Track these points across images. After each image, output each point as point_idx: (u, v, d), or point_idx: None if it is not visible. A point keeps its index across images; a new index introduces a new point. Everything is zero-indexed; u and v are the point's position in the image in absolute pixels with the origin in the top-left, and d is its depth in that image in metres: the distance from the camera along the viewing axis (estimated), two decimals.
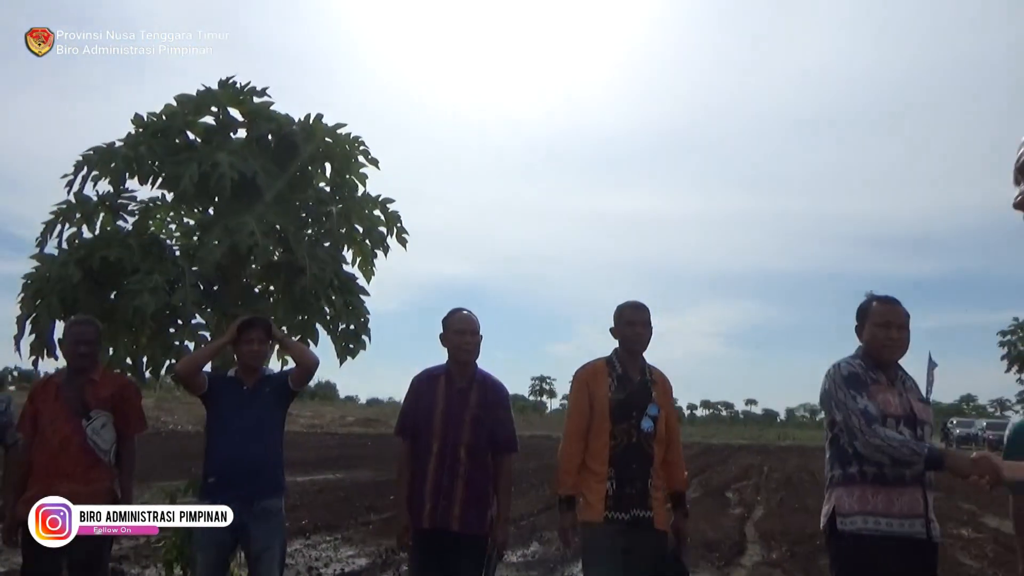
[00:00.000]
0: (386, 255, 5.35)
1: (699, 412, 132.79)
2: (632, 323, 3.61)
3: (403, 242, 5.43)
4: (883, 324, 3.10)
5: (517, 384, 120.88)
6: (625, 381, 3.58)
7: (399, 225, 5.38)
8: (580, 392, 3.64)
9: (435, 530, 3.46)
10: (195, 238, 5.00)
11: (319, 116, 5.15)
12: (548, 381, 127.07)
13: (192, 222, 5.20)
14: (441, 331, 3.64)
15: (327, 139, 5.16)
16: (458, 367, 3.62)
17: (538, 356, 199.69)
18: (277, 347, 4.32)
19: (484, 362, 3.71)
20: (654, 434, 3.49)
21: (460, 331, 3.62)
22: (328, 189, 5.35)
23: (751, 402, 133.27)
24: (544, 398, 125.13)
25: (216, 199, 4.88)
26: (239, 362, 3.75)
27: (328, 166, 5.30)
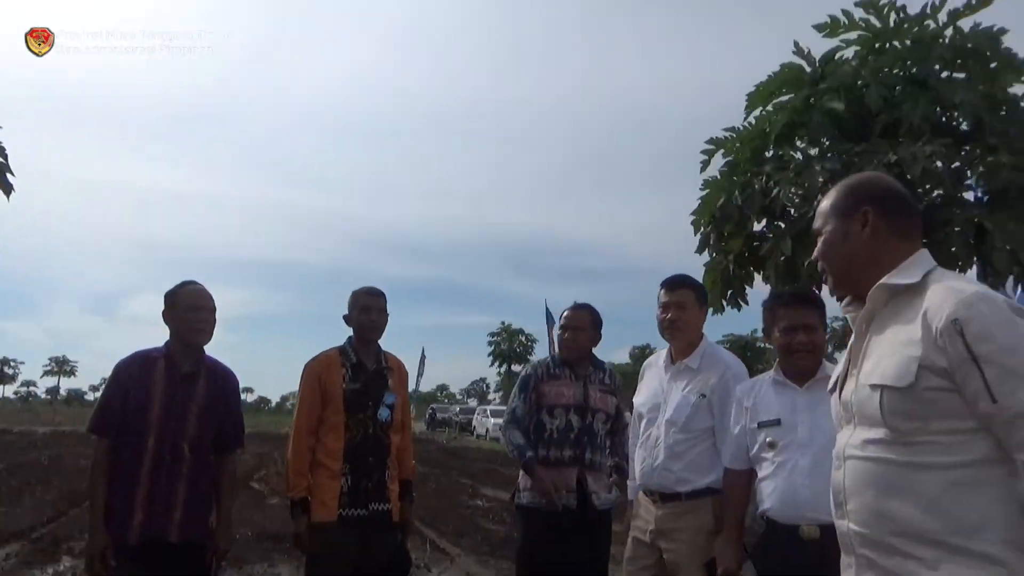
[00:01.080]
0: None
1: None
2: (367, 309, 3.49)
3: None
4: (571, 328, 3.74)
5: None
6: (360, 370, 3.45)
7: None
8: (311, 384, 3.38)
9: (147, 544, 2.86)
10: None
11: None
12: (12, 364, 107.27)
13: None
14: (164, 308, 3.02)
15: None
16: (186, 350, 3.06)
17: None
18: None
19: None
20: (391, 423, 3.44)
21: (195, 307, 3.07)
22: None
23: (247, 390, 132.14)
24: None
25: None
26: None
27: None
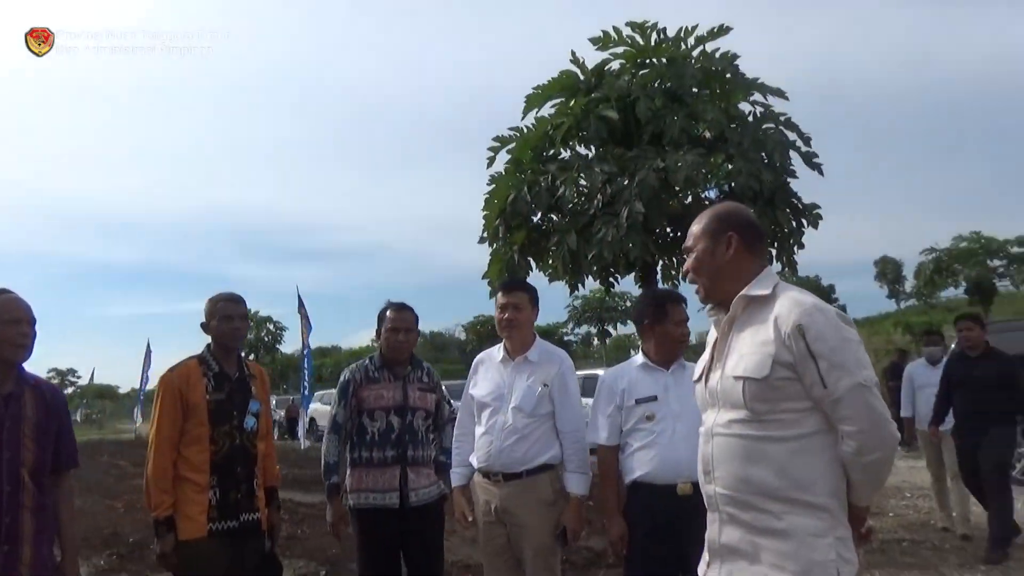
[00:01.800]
0: None
1: None
2: (230, 317, 3.40)
3: None
4: (393, 329, 3.90)
5: None
6: (223, 379, 3.36)
7: None
8: (171, 397, 3.24)
9: None
10: None
11: None
12: None
13: None
14: None
15: None
16: (2, 368, 2.76)
17: None
18: None
19: None
20: (257, 432, 3.40)
21: (14, 320, 2.77)
22: None
23: None
24: None
25: None
26: None
27: None
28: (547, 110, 8.49)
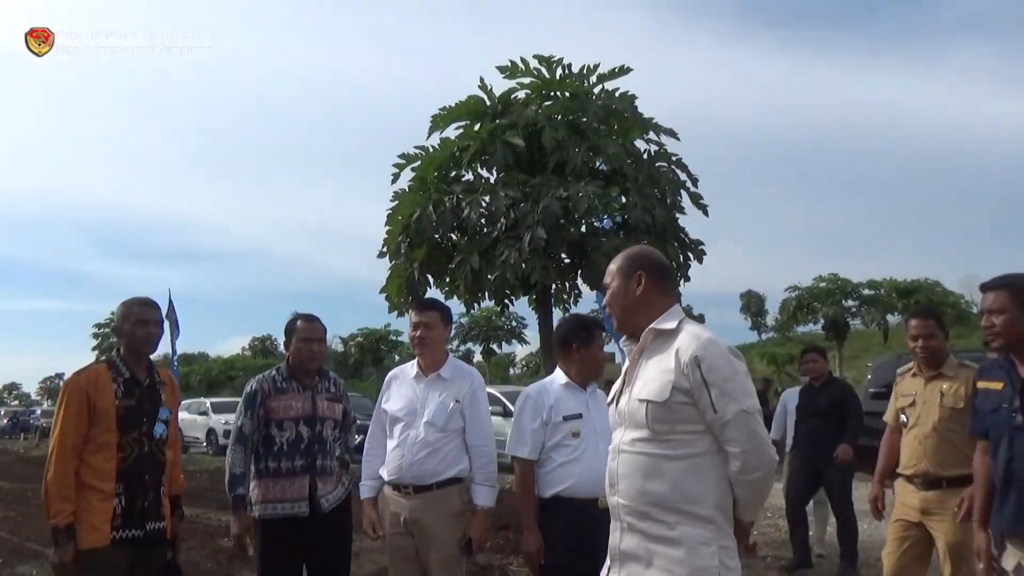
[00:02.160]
0: None
1: None
2: (144, 322, 3.32)
3: None
4: (307, 339, 3.91)
5: None
6: (133, 385, 3.27)
7: None
8: (77, 402, 3.12)
9: None
10: None
11: None
12: None
13: None
14: None
15: None
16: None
17: None
18: None
19: None
20: (166, 439, 3.33)
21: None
22: None
23: None
24: None
25: None
26: None
27: None
28: (451, 131, 8.70)
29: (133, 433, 3.19)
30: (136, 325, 3.30)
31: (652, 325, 2.44)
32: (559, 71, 8.36)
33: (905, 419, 3.85)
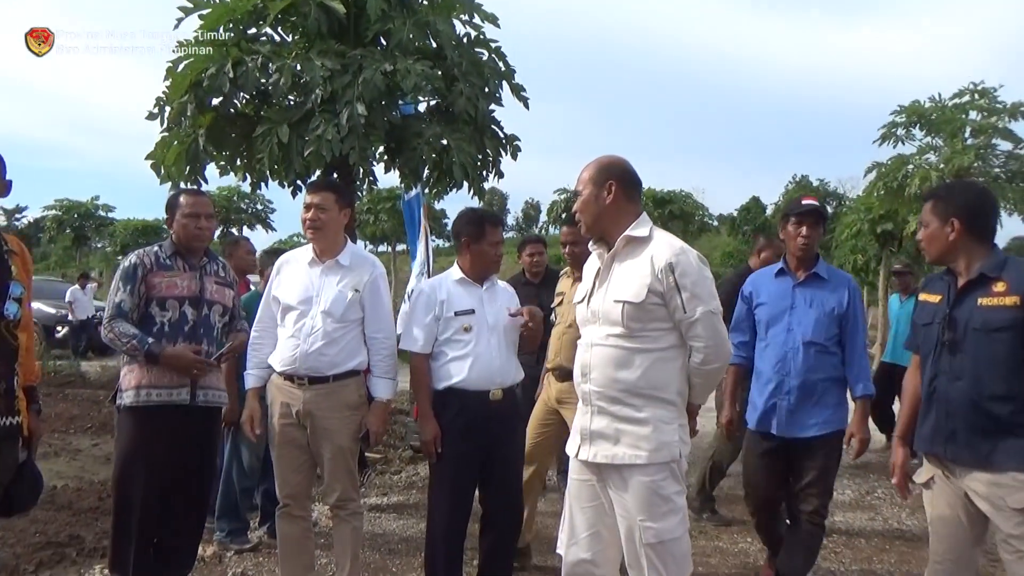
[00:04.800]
0: None
1: None
2: None
3: None
4: (192, 215, 3.60)
5: None
6: None
7: None
8: None
9: None
10: None
11: None
12: None
13: None
14: None
15: None
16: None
17: None
18: None
19: None
20: (19, 321, 2.70)
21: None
22: None
23: None
24: None
25: None
26: None
27: None
28: None
29: None
30: None
31: (626, 232, 2.70)
32: None
33: (555, 317, 4.37)
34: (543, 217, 56.36)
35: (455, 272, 3.68)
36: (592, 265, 2.85)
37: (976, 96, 15.95)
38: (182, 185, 7.43)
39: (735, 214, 60.15)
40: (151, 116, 7.52)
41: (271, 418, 3.55)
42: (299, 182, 7.76)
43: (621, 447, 2.61)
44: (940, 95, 16.25)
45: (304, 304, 3.49)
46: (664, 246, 2.65)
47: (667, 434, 2.61)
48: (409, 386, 4.05)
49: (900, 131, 16.46)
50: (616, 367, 2.62)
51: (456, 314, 3.53)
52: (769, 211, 56.53)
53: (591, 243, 2.87)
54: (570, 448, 2.80)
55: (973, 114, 15.98)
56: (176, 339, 3.47)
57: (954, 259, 2.73)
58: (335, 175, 7.78)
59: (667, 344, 2.65)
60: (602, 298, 2.69)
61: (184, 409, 3.48)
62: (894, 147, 16.60)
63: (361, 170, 7.58)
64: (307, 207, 3.52)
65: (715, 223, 58.53)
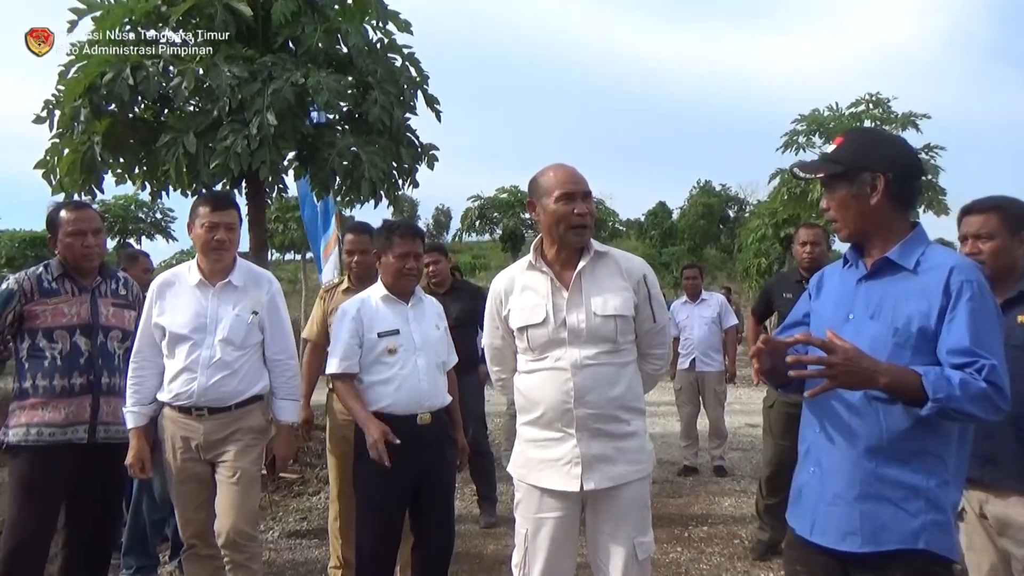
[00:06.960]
0: None
1: None
2: None
3: None
4: (77, 233, 3.36)
5: None
6: None
7: None
8: None
9: None
10: None
11: None
12: None
13: None
14: None
15: None
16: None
17: None
18: None
19: None
20: None
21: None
22: None
23: None
24: None
25: None
26: None
27: None
28: None
29: None
30: None
31: (595, 248, 2.74)
32: None
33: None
34: (455, 224, 56.19)
35: (379, 288, 3.51)
36: (528, 285, 2.75)
37: (871, 106, 16.90)
38: (75, 197, 6.96)
39: (642, 219, 61.56)
40: (38, 120, 7.03)
41: (166, 454, 3.29)
42: (204, 192, 7.45)
43: (621, 466, 2.62)
44: (838, 104, 17.17)
45: (197, 333, 3.23)
46: (629, 258, 2.77)
47: (646, 441, 2.73)
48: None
49: (801, 139, 17.23)
50: (610, 385, 2.62)
51: (379, 335, 3.37)
52: (675, 215, 58.12)
53: (538, 262, 2.74)
54: (560, 483, 2.63)
55: (868, 123, 16.89)
56: (72, 374, 3.18)
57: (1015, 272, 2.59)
58: (244, 184, 7.51)
59: (634, 355, 2.75)
60: (584, 316, 2.64)
61: (81, 448, 3.23)
62: (796, 154, 17.36)
63: (271, 178, 7.34)
64: (212, 226, 3.26)
65: (623, 228, 59.73)
